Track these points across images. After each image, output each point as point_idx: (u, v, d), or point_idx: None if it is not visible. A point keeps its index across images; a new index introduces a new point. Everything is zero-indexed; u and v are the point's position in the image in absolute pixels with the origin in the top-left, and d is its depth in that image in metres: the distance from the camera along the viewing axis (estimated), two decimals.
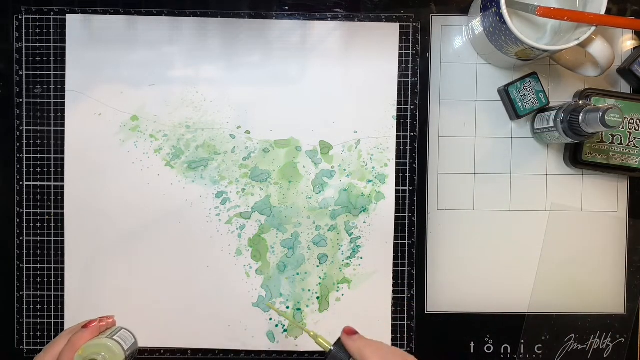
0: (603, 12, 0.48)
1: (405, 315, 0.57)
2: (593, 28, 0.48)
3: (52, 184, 0.56)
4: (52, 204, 0.56)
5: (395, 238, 0.57)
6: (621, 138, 0.55)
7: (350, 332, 0.45)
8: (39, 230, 0.56)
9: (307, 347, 0.56)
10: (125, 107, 0.56)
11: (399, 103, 0.56)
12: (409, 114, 0.57)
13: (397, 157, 0.57)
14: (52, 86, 0.56)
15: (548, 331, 0.57)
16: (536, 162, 0.57)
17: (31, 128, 0.56)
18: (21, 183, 0.56)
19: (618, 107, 0.46)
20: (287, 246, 0.56)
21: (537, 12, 0.47)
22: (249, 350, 0.57)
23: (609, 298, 0.57)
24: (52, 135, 0.56)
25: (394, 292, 0.57)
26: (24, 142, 0.56)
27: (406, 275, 0.57)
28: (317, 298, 0.57)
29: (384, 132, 0.56)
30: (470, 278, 0.57)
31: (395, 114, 0.56)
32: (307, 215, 0.56)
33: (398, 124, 0.57)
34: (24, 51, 0.55)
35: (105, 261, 0.56)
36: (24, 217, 0.56)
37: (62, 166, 0.56)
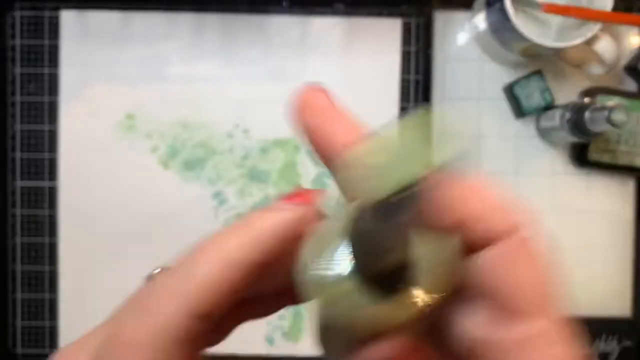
0: (609, 8, 0.48)
1: None
2: (599, 25, 0.48)
3: (46, 183, 0.55)
4: (47, 204, 0.55)
5: None
6: (628, 137, 0.55)
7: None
8: (33, 231, 0.55)
9: (307, 351, 0.56)
10: (121, 105, 0.55)
11: (401, 101, 0.56)
12: (411, 112, 0.56)
13: None
14: (46, 84, 0.55)
15: None
16: (541, 162, 0.56)
17: (25, 127, 0.55)
18: (15, 183, 0.55)
19: (624, 106, 0.46)
20: None
21: (542, 8, 0.47)
22: (248, 354, 0.56)
23: (615, 301, 0.57)
24: (46, 134, 0.55)
25: None
26: (18, 141, 0.55)
27: None
28: None
29: None
30: None
31: (397, 111, 0.56)
32: None
33: None
34: (17, 48, 0.55)
35: (100, 262, 0.55)
36: (18, 218, 0.55)
37: (57, 166, 0.55)
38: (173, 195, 0.55)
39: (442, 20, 0.56)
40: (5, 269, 0.55)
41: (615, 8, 0.48)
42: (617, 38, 0.50)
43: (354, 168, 0.18)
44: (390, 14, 0.56)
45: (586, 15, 0.48)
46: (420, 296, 0.18)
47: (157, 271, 0.23)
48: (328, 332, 0.19)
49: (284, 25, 0.55)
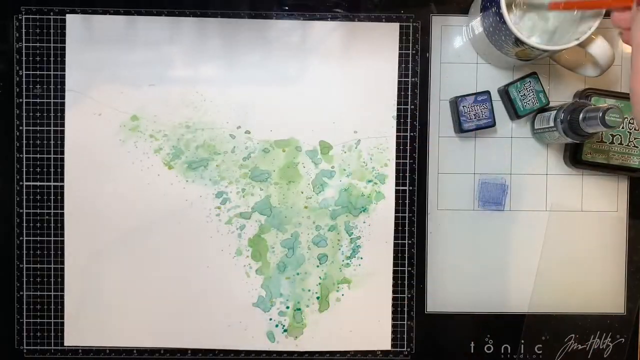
0: None
1: (406, 315, 0.57)
2: (593, 28, 0.48)
3: (52, 184, 0.56)
4: (52, 204, 0.56)
5: (395, 238, 0.57)
6: (621, 138, 0.55)
7: None
8: (39, 230, 0.56)
9: (307, 347, 0.56)
10: (125, 107, 0.56)
11: (399, 103, 0.56)
12: (409, 113, 0.57)
13: (397, 157, 0.57)
14: (52, 86, 0.56)
15: (548, 331, 0.57)
16: (536, 162, 0.57)
17: (31, 128, 0.56)
18: (21, 183, 0.56)
19: (618, 107, 0.46)
20: (287, 246, 0.56)
21: (548, 6, 0.48)
22: (249, 350, 0.57)
23: (609, 298, 0.57)
24: (52, 135, 0.56)
25: (394, 292, 0.57)
26: (24, 142, 0.56)
27: (406, 275, 0.57)
28: (317, 298, 0.57)
29: (384, 132, 0.56)
30: (470, 278, 0.57)
31: (395, 113, 0.56)
32: (307, 215, 0.56)
33: (398, 123, 0.57)
34: (23, 51, 0.55)
35: (105, 261, 0.56)
36: (24, 217, 0.56)
37: (62, 166, 0.56)
38: (177, 195, 0.56)
39: (439, 24, 0.56)
40: (11, 268, 0.56)
41: None
42: (610, 41, 0.50)
43: None
44: (389, 19, 0.56)
45: (589, 6, 0.47)
46: None
47: None
48: None
49: (284, 29, 0.56)
